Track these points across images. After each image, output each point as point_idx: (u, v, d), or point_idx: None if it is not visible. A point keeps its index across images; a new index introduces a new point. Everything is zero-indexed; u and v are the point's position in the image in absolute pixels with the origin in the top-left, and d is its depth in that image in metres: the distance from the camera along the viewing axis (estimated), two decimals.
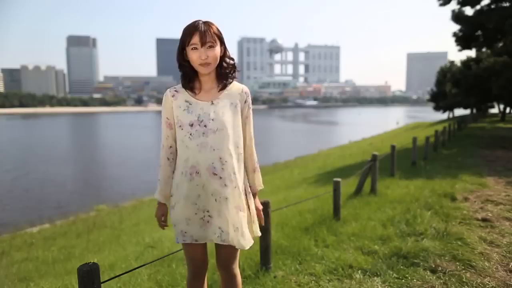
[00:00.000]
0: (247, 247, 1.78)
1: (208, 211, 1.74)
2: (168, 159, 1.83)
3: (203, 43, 1.67)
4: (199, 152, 1.73)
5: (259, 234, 1.94)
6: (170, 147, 1.83)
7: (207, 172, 1.72)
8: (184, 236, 1.78)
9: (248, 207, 1.86)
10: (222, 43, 1.75)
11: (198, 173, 1.73)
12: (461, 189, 5.74)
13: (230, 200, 1.72)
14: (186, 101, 1.77)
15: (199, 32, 1.67)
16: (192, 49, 1.68)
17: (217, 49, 1.71)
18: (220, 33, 1.74)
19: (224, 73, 1.79)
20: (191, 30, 1.68)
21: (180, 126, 1.76)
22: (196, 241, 1.79)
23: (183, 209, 1.76)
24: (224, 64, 1.78)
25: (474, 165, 8.24)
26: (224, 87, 1.79)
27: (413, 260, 3.04)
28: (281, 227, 4.26)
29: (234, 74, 1.83)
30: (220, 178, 1.72)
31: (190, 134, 1.74)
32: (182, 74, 1.79)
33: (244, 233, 1.76)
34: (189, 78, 1.78)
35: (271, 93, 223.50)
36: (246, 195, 1.85)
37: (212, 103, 1.76)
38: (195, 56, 1.69)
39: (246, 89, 1.85)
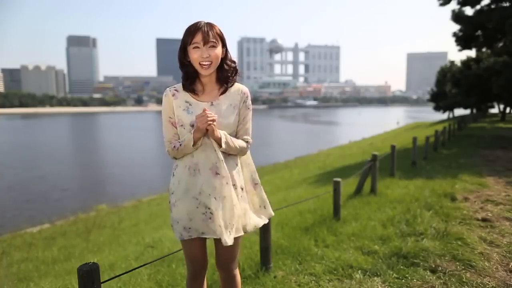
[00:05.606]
0: (261, 224, 1.93)
1: (209, 208, 1.72)
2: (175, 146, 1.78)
3: (205, 42, 1.69)
4: (200, 152, 1.75)
5: (272, 214, 2.03)
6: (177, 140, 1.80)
7: (210, 172, 1.73)
8: (188, 232, 1.76)
9: (257, 196, 1.96)
10: (224, 45, 1.77)
11: (199, 170, 1.74)
12: (461, 189, 5.74)
13: (228, 199, 1.72)
14: (186, 102, 1.79)
15: (201, 31, 1.69)
16: (193, 48, 1.70)
17: (219, 49, 1.73)
18: (222, 34, 1.76)
19: (225, 75, 1.80)
20: (193, 29, 1.70)
21: (181, 125, 1.77)
22: (203, 234, 1.76)
23: (185, 205, 1.75)
24: (226, 67, 1.80)
25: (474, 165, 8.24)
26: (225, 90, 1.82)
27: (413, 260, 3.04)
28: (281, 227, 4.26)
29: (235, 77, 1.85)
30: (223, 177, 1.72)
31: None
32: (184, 74, 1.79)
33: (250, 217, 1.86)
34: (191, 79, 1.79)
35: (271, 93, 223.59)
36: (252, 186, 1.93)
37: (212, 104, 1.78)
38: (196, 55, 1.70)
39: (245, 89, 1.87)
